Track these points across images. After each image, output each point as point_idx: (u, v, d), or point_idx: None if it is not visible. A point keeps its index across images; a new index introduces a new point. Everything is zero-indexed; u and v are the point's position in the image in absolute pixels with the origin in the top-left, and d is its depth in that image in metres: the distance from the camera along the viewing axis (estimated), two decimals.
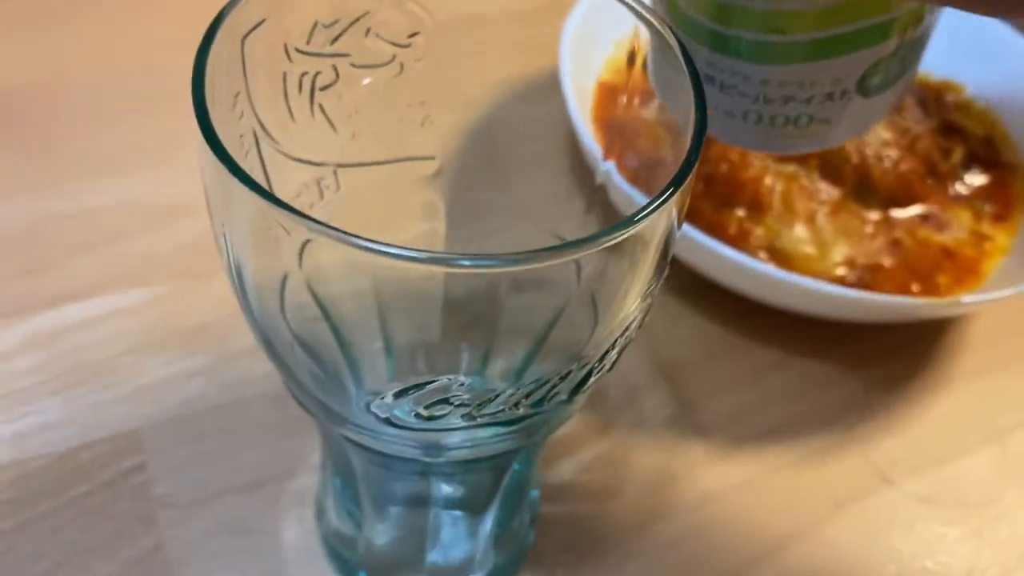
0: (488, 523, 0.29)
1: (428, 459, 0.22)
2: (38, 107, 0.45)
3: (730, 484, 0.36)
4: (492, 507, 0.28)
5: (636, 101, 0.43)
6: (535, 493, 0.33)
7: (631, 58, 0.45)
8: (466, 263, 0.18)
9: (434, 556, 0.30)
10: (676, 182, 0.19)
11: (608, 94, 0.41)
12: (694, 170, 0.19)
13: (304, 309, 0.24)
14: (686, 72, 0.20)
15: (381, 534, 0.29)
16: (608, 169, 0.31)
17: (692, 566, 0.34)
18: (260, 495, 0.34)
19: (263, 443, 0.35)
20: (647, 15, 0.22)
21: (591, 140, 0.34)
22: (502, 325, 0.28)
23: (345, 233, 0.17)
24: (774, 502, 0.36)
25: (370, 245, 0.17)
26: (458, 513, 0.28)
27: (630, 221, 0.19)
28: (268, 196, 0.17)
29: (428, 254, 0.17)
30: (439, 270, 0.18)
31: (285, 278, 0.23)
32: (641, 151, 0.33)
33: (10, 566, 0.31)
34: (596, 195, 0.31)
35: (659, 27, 0.21)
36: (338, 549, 0.31)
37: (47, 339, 0.37)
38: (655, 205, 0.18)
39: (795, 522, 0.36)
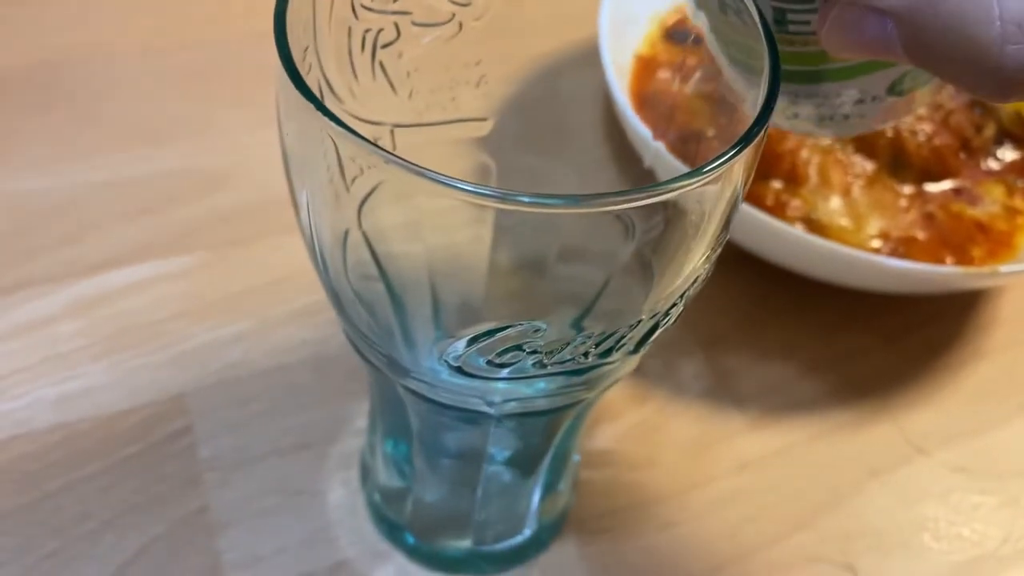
0: (537, 484, 0.29)
1: (490, 411, 0.23)
2: (81, 77, 0.45)
3: (766, 453, 0.37)
4: (542, 467, 0.28)
5: (673, 74, 0.43)
6: (576, 458, 0.34)
7: (667, 33, 0.45)
8: (525, 200, 0.18)
9: (481, 517, 0.30)
10: (747, 138, 0.19)
11: (645, 68, 0.42)
12: (766, 126, 0.20)
13: (363, 267, 0.25)
14: (759, 28, 0.20)
15: (431, 494, 0.30)
16: (658, 149, 0.32)
17: (730, 533, 0.34)
18: (304, 458, 0.34)
19: (306, 407, 0.35)
20: None
21: (639, 124, 0.34)
22: (549, 292, 0.28)
23: (415, 165, 0.17)
24: (810, 471, 0.36)
25: (437, 177, 0.17)
26: (509, 473, 0.29)
27: (698, 171, 0.19)
28: (352, 131, 0.18)
29: (490, 189, 0.17)
30: (494, 207, 0.18)
31: (346, 234, 0.24)
32: (679, 124, 0.33)
33: (59, 525, 0.32)
34: (643, 179, 0.32)
35: None
36: (384, 511, 0.32)
37: (91, 305, 0.37)
38: (728, 157, 0.19)
39: (831, 490, 0.36)
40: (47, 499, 0.32)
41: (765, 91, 0.20)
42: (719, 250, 0.21)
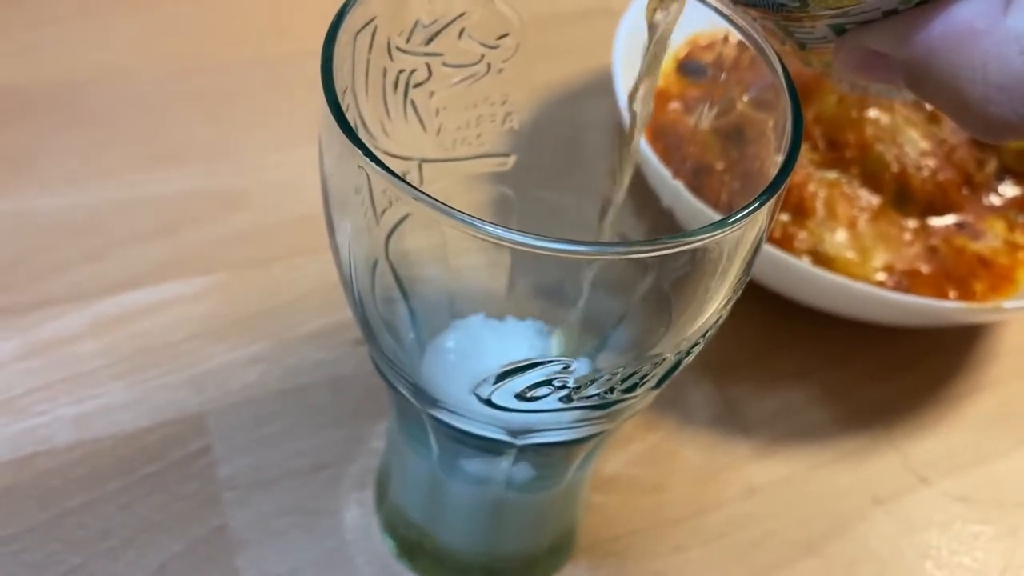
0: (552, 509, 0.30)
1: (514, 441, 0.24)
2: (103, 98, 0.46)
3: (773, 479, 0.37)
4: (558, 493, 0.29)
5: (685, 107, 0.44)
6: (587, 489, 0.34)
7: (679, 65, 0.46)
8: (549, 245, 0.18)
9: (496, 539, 0.31)
10: (772, 189, 0.20)
11: (658, 99, 0.42)
12: (789, 178, 0.20)
13: (388, 291, 0.26)
14: (782, 80, 0.21)
15: (447, 516, 0.30)
16: (677, 188, 0.33)
17: (737, 557, 0.35)
18: (321, 478, 0.35)
19: (323, 428, 0.36)
20: (745, 25, 0.23)
21: (658, 163, 0.35)
22: (566, 319, 0.29)
23: (442, 203, 0.18)
24: (815, 498, 0.37)
25: (463, 216, 0.18)
26: (525, 497, 0.29)
27: (723, 223, 0.19)
28: (387, 169, 0.18)
29: (514, 232, 0.18)
30: (516, 248, 0.18)
31: (376, 263, 0.25)
32: (691, 156, 0.34)
33: (81, 542, 0.32)
34: (661, 214, 0.33)
35: (758, 39, 0.22)
36: (399, 530, 0.32)
37: (111, 324, 0.38)
38: (753, 208, 0.19)
39: (835, 517, 0.37)
40: (69, 515, 0.33)
41: (788, 143, 0.21)
42: (740, 292, 0.22)
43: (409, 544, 0.32)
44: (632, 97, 0.24)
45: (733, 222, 0.19)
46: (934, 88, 0.19)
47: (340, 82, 0.22)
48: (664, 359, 0.21)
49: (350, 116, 0.23)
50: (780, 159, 0.20)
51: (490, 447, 0.25)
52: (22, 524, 0.32)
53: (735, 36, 0.24)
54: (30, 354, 0.36)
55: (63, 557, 0.32)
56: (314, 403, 0.36)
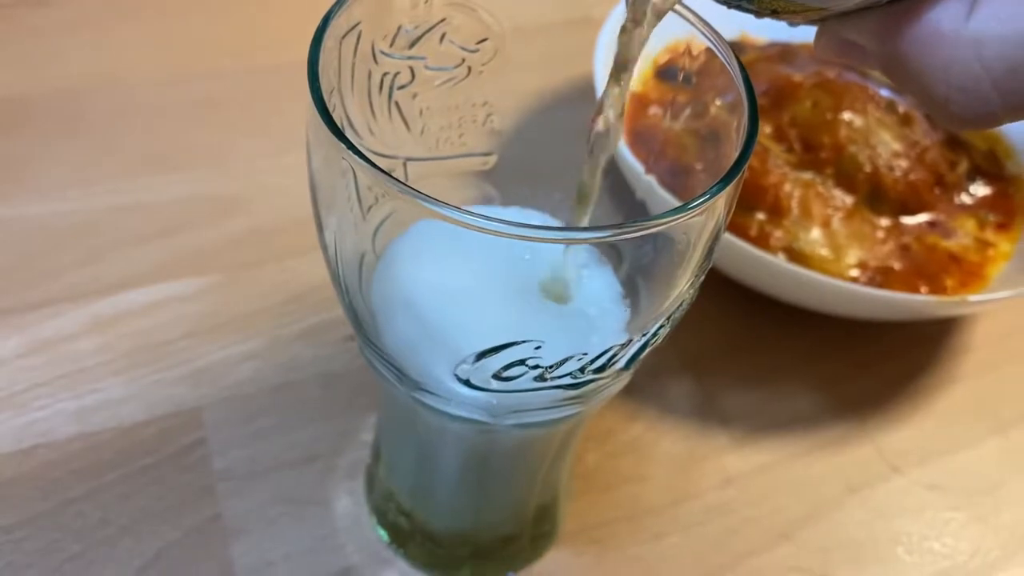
0: (533, 495, 0.31)
1: (493, 421, 0.25)
2: (102, 106, 0.47)
3: (750, 469, 0.39)
4: (539, 479, 0.30)
5: (664, 111, 0.46)
6: (568, 471, 0.35)
7: (657, 71, 0.47)
8: (527, 233, 0.19)
9: (479, 525, 0.32)
10: (728, 177, 0.22)
11: (637, 104, 0.44)
12: (745, 167, 0.22)
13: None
14: (742, 83, 0.23)
15: (432, 503, 0.31)
16: (650, 182, 0.34)
17: (715, 544, 0.36)
18: (312, 469, 0.36)
19: (314, 421, 0.37)
20: (704, 29, 0.24)
21: (632, 158, 0.36)
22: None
23: (425, 195, 0.19)
24: (792, 487, 0.38)
25: (444, 208, 0.19)
26: (507, 484, 0.31)
27: (684, 207, 0.21)
28: (372, 164, 0.20)
29: (494, 222, 0.19)
30: (497, 235, 0.19)
31: (363, 256, 0.26)
32: (669, 158, 0.36)
33: (81, 530, 0.33)
34: (636, 210, 0.34)
35: (715, 42, 0.24)
36: (390, 517, 0.34)
37: (109, 323, 0.39)
38: (710, 195, 0.21)
39: (811, 505, 0.38)
40: (69, 505, 0.34)
41: (744, 136, 0.22)
42: (703, 276, 0.23)
43: (398, 529, 0.33)
44: (596, 121, 0.25)
45: (692, 207, 0.20)
46: (905, 81, 0.21)
47: (327, 84, 0.23)
48: (630, 341, 0.22)
49: (337, 116, 0.24)
50: (736, 154, 0.22)
51: (471, 429, 0.26)
52: (24, 513, 0.33)
53: (703, 43, 0.25)
54: (32, 352, 0.38)
55: (63, 545, 0.33)
56: (306, 398, 0.38)
